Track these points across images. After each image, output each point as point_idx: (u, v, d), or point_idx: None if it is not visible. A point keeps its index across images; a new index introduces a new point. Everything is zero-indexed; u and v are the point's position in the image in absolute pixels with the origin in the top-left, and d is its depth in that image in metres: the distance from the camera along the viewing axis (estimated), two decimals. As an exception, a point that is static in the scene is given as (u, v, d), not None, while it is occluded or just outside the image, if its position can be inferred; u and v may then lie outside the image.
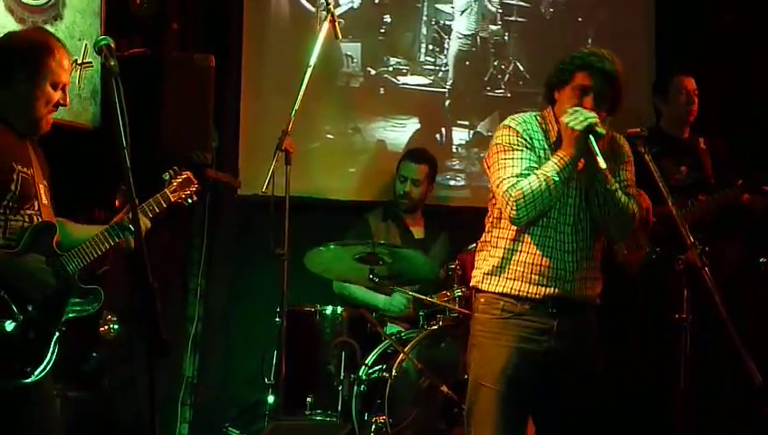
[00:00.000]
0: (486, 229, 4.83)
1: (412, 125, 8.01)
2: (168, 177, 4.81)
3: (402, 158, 7.34)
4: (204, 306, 7.47)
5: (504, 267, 4.66)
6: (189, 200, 4.91)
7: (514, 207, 4.51)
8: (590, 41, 8.20)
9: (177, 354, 7.17)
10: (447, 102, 8.10)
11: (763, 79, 7.53)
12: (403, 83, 8.02)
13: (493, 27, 8.18)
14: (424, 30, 8.07)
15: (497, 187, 4.62)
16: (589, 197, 4.66)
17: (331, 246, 6.15)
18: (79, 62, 5.77)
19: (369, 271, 6.13)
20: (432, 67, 8.07)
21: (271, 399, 6.25)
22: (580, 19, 8.32)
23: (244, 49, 7.67)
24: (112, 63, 3.83)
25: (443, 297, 6.35)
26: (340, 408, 6.26)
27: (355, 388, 6.21)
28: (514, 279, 4.63)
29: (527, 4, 8.21)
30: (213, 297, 7.53)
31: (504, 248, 4.68)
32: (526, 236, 4.63)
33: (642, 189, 6.35)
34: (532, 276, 4.61)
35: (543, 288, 4.60)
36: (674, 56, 8.02)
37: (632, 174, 4.83)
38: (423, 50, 8.06)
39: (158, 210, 4.68)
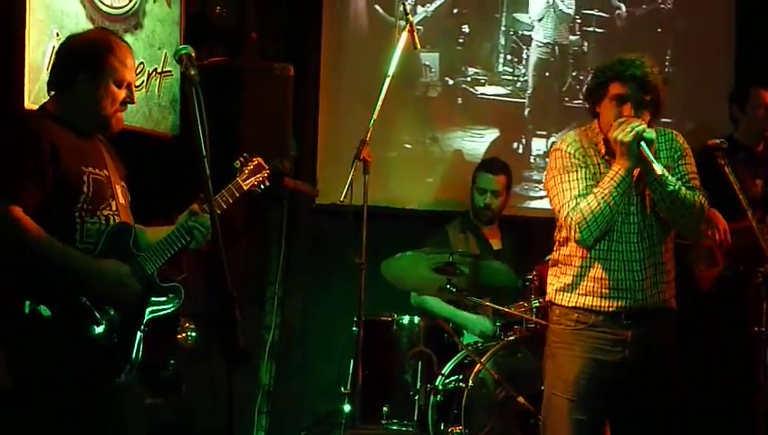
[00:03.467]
0: (555, 247, 4.87)
1: (490, 135, 8.00)
2: (238, 164, 4.79)
3: (477, 169, 7.29)
4: (281, 315, 7.50)
5: (576, 284, 4.71)
6: (262, 186, 4.87)
7: (578, 230, 4.58)
8: (668, 51, 8.16)
9: (254, 363, 7.21)
10: (526, 112, 8.07)
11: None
12: (481, 93, 8.01)
13: (572, 37, 8.15)
14: (502, 40, 8.05)
15: (559, 212, 4.68)
16: (653, 202, 4.64)
17: (409, 254, 6.16)
18: (159, 70, 5.81)
19: (446, 281, 6.13)
20: (510, 77, 8.05)
21: (347, 408, 6.25)
22: (659, 30, 8.27)
23: (323, 58, 7.72)
24: (192, 73, 3.82)
25: (520, 308, 6.35)
26: (416, 418, 6.26)
27: (431, 398, 6.20)
28: (586, 295, 4.67)
29: (606, 15, 8.16)
30: (290, 306, 7.56)
31: (574, 266, 4.73)
32: (594, 251, 4.66)
33: (720, 203, 6.32)
34: (603, 291, 4.64)
35: (615, 301, 4.62)
36: (754, 68, 7.92)
37: (692, 165, 4.76)
38: (501, 60, 8.05)
39: (231, 201, 4.64)
